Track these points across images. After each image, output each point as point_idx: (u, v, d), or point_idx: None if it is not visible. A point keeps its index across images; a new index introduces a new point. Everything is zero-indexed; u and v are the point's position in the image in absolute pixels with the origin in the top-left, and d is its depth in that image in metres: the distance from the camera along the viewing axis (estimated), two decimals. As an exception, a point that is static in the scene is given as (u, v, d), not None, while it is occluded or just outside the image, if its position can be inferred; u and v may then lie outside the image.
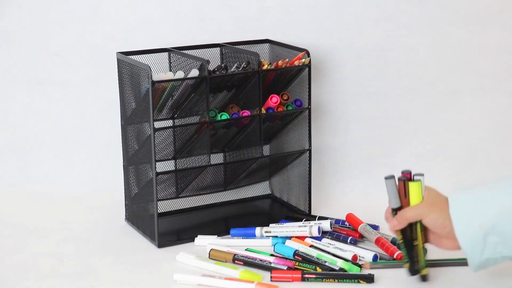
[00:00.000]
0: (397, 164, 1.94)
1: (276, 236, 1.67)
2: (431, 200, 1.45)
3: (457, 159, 1.94)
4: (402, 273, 1.53)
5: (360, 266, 1.56)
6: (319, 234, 1.65)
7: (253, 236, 1.68)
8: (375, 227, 1.73)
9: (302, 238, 1.66)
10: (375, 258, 1.59)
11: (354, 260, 1.57)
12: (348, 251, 1.59)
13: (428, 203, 1.45)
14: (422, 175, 1.49)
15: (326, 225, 1.69)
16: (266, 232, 1.68)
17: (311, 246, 1.63)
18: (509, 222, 1.34)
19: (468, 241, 1.38)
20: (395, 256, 1.59)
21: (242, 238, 1.68)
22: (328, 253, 1.60)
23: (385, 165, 1.95)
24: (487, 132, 1.93)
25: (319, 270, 1.53)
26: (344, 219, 1.75)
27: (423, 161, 1.94)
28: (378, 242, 1.64)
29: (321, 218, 1.76)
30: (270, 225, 1.71)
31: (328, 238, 1.66)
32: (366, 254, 1.60)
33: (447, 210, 1.41)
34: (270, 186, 1.96)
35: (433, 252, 1.62)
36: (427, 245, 1.52)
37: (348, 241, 1.66)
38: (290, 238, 1.66)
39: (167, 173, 1.72)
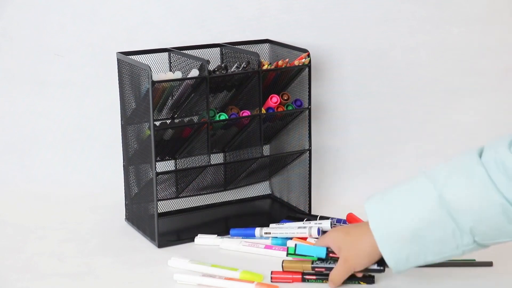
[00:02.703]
0: (397, 164, 1.94)
1: (276, 237, 1.67)
2: (346, 248, 1.47)
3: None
4: (402, 273, 1.54)
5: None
6: (318, 235, 1.65)
7: (252, 236, 1.68)
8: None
9: (303, 238, 1.66)
10: None
11: None
12: None
13: (346, 254, 1.46)
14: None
15: (326, 225, 1.69)
16: (266, 233, 1.68)
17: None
18: (426, 232, 1.37)
19: (394, 259, 1.41)
20: None
21: (242, 239, 1.68)
22: None
23: (385, 165, 1.95)
24: (487, 132, 1.93)
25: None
26: (345, 218, 1.75)
27: (423, 161, 1.94)
28: None
29: (322, 218, 1.76)
30: (270, 225, 1.71)
31: None
32: None
33: (365, 242, 1.43)
34: (270, 186, 1.96)
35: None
36: None
37: None
38: (291, 238, 1.66)
39: (167, 173, 1.72)
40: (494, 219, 1.33)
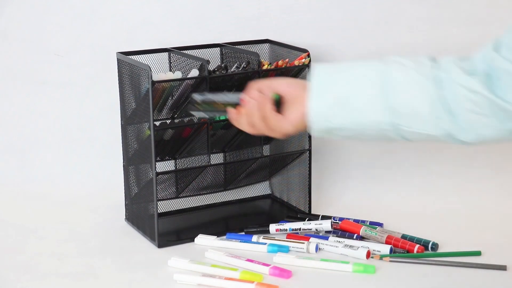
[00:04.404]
0: (397, 164, 1.94)
1: (273, 244, 1.66)
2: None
3: (457, 159, 1.94)
4: (405, 268, 1.54)
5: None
6: (316, 252, 1.64)
7: (249, 241, 1.67)
8: (379, 224, 1.74)
9: (305, 238, 1.66)
10: (391, 251, 1.60)
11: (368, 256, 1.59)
12: (360, 247, 1.59)
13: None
14: None
15: (326, 225, 1.69)
16: (264, 238, 1.68)
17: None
18: (355, 98, 1.35)
19: (316, 106, 1.36)
20: (415, 250, 1.61)
21: (240, 242, 1.67)
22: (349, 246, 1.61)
23: (385, 165, 1.95)
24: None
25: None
26: (345, 217, 1.75)
27: (423, 160, 1.94)
28: (390, 240, 1.64)
29: (324, 217, 1.77)
30: (270, 225, 1.71)
31: (334, 236, 1.67)
32: (378, 247, 1.60)
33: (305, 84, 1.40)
34: (270, 186, 1.96)
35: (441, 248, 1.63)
36: (439, 240, 1.57)
37: (354, 237, 1.67)
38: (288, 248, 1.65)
39: (167, 173, 1.72)
40: (423, 107, 1.33)
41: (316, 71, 1.39)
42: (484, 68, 1.31)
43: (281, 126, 1.39)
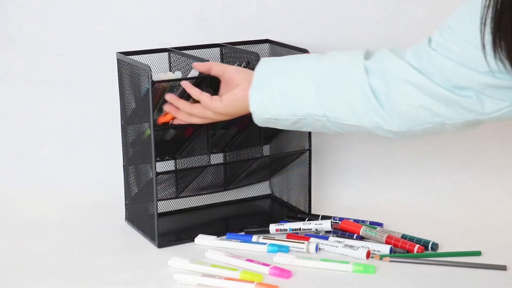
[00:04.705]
0: (397, 164, 1.94)
1: (273, 244, 1.66)
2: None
3: (457, 159, 1.94)
4: (405, 268, 1.54)
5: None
6: (316, 251, 1.64)
7: (249, 241, 1.67)
8: (379, 224, 1.74)
9: (305, 238, 1.66)
10: (391, 251, 1.60)
11: (368, 256, 1.58)
12: (361, 247, 1.59)
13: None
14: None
15: (326, 225, 1.69)
16: (264, 238, 1.68)
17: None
18: (292, 89, 1.48)
19: (255, 98, 1.52)
20: (415, 251, 1.61)
21: (240, 242, 1.67)
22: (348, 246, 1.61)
23: (385, 165, 1.95)
24: (487, 131, 1.93)
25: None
26: (345, 217, 1.75)
27: (423, 161, 1.94)
28: (390, 240, 1.64)
29: (324, 217, 1.77)
30: (270, 226, 1.71)
31: (334, 236, 1.67)
32: (378, 247, 1.60)
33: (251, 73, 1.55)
34: (270, 186, 1.96)
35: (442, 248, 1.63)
36: (439, 240, 1.58)
37: (354, 237, 1.67)
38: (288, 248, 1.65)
39: (167, 173, 1.72)
40: (354, 98, 1.43)
41: (260, 64, 1.53)
42: (418, 61, 1.40)
43: (213, 105, 1.55)
